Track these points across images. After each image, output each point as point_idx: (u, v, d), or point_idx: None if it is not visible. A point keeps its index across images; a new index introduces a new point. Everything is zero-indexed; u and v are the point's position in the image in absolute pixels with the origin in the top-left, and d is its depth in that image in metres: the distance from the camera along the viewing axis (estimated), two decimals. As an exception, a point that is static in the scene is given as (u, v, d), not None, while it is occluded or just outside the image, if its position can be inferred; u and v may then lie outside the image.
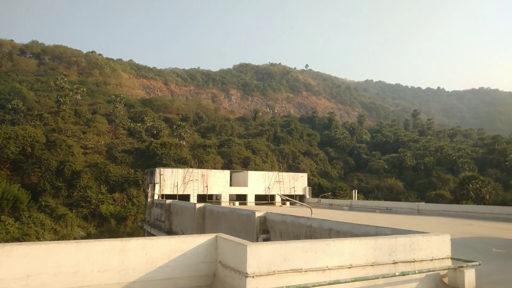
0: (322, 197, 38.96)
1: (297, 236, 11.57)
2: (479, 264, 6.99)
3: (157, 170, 32.10)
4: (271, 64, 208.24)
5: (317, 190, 58.92)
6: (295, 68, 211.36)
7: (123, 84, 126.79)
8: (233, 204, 34.19)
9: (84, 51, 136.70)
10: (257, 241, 12.99)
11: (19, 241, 39.50)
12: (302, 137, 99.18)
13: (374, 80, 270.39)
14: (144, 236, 31.65)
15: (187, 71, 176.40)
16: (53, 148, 56.29)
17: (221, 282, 6.38)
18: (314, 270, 5.90)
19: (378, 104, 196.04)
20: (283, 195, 37.09)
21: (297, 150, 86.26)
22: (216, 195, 35.65)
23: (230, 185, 36.55)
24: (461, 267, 6.77)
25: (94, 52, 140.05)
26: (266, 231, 13.34)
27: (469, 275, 6.73)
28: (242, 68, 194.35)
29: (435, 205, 28.60)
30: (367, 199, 54.78)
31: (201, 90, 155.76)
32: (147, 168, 42.05)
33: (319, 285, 5.68)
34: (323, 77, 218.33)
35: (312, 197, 41.85)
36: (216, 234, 6.81)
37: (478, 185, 53.71)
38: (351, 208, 32.78)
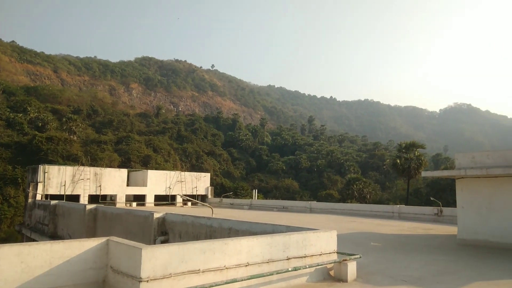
0: (224, 197, 39.38)
1: (197, 237, 11.43)
2: (360, 257, 7.80)
3: (41, 167, 28.60)
4: (177, 61, 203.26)
5: (219, 190, 59.37)
6: (201, 67, 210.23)
7: (2, 68, 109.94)
8: (130, 205, 32.33)
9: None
10: (155, 244, 12.48)
11: None
12: (207, 137, 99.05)
13: (276, 86, 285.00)
14: (23, 241, 27.84)
15: (82, 59, 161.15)
16: None
17: (111, 288, 5.93)
18: (212, 270, 5.88)
19: (279, 108, 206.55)
20: (185, 195, 36.46)
21: (201, 150, 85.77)
22: (111, 196, 33.29)
23: (128, 185, 34.52)
24: (345, 260, 7.47)
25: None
26: (164, 232, 12.90)
27: (351, 267, 7.47)
28: (145, 62, 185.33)
29: (325, 204, 31.26)
30: (266, 199, 57.17)
31: (97, 81, 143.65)
32: (29, 164, 37.17)
33: (216, 285, 5.68)
34: (228, 79, 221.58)
35: (215, 197, 42.03)
36: (107, 238, 6.30)
37: (361, 186, 60.28)
38: (251, 207, 33.81)
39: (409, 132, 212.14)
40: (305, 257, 7.21)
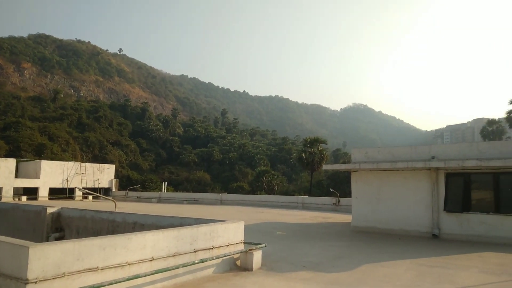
0: (130, 190, 37.43)
1: (98, 233, 10.67)
2: (265, 246, 8.11)
3: None
4: (78, 41, 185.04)
5: (126, 182, 56.20)
6: (107, 50, 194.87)
7: None
8: (19, 200, 28.75)
9: None
10: (48, 241, 11.31)
11: None
12: (112, 126, 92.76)
13: (189, 76, 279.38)
14: None
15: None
16: None
17: (-9, 294, 5.19)
18: (112, 267, 5.53)
19: (192, 99, 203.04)
20: (86, 188, 33.77)
21: (105, 140, 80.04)
22: (-5, 189, 29.18)
23: (16, 177, 30.60)
24: (251, 250, 7.70)
25: None
26: (60, 229, 11.76)
27: (257, 256, 7.73)
28: (41, 40, 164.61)
29: (235, 196, 31.86)
30: (177, 191, 55.99)
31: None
32: None
33: (117, 282, 5.36)
34: (138, 65, 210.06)
35: (120, 190, 39.72)
36: (-14, 236, 5.49)
37: (270, 178, 62.78)
38: (160, 200, 32.78)
39: (314, 128, 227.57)
40: (212, 248, 7.23)
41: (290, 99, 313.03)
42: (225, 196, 30.69)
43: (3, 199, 27.22)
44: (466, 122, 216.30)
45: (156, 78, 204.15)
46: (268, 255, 8.77)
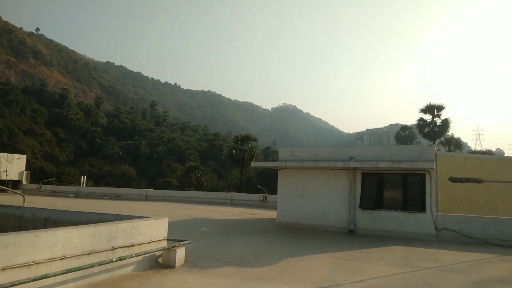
0: (43, 183, 34.27)
1: (2, 229, 9.60)
2: (189, 243, 7.98)
3: None
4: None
5: (39, 175, 51.25)
6: (21, 28, 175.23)
7: None
8: None
9: None
10: None
11: None
12: (25, 112, 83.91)
13: (116, 64, 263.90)
14: None
15: None
16: None
17: None
18: (16, 267, 5.00)
19: (118, 89, 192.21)
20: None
21: (16, 127, 72.16)
22: None
23: None
24: (174, 246, 7.52)
25: None
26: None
27: (180, 253, 7.58)
28: None
29: (162, 191, 30.93)
30: (98, 186, 52.62)
31: None
32: None
33: (20, 283, 4.86)
34: (57, 48, 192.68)
35: (32, 183, 36.18)
36: None
37: (199, 174, 62.13)
38: (77, 195, 30.54)
39: (245, 126, 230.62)
40: (132, 246, 6.92)
41: (222, 95, 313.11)
42: (151, 191, 29.62)
43: None
44: (383, 126, 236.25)
45: (79, 63, 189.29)
46: (192, 251, 8.66)
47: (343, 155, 14.37)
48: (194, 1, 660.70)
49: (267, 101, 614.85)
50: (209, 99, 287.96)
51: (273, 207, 22.88)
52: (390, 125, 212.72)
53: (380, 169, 13.52)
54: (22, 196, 12.19)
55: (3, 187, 15.31)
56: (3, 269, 4.85)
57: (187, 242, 7.91)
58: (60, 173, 53.51)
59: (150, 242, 7.33)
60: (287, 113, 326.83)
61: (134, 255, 6.71)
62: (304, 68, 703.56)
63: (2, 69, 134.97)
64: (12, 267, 4.96)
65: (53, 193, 31.54)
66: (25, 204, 10.79)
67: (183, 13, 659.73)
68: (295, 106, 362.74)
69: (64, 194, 30.80)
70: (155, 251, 7.30)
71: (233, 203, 26.32)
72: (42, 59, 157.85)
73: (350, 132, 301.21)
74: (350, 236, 13.03)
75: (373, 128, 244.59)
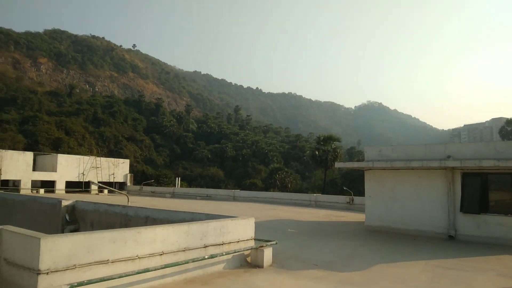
0: (144, 185, 37.84)
1: (111, 226, 10.79)
2: (276, 243, 8.03)
3: None
4: (93, 37, 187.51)
5: (140, 177, 56.83)
6: (121, 46, 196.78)
7: None
8: (37, 192, 29.37)
9: None
10: (63, 233, 11.49)
11: None
12: (127, 121, 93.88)
13: (202, 73, 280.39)
14: None
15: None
16: None
17: (5, 283, 5.27)
18: (122, 260, 5.54)
19: (205, 96, 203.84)
20: (101, 182, 34.36)
21: (121, 135, 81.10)
22: (14, 181, 29.89)
23: (34, 170, 31.26)
24: (262, 246, 7.63)
25: None
26: (74, 221, 11.93)
27: (267, 253, 7.67)
28: (56, 35, 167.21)
29: (248, 192, 31.84)
30: (191, 187, 56.39)
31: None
32: None
33: (127, 275, 5.37)
34: (151, 61, 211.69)
35: (135, 184, 40.20)
36: (1, 227, 5.58)
37: (283, 175, 62.63)
38: (173, 195, 33.03)
39: (327, 126, 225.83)
40: (222, 244, 7.19)
41: (303, 96, 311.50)
42: (237, 192, 30.71)
43: (22, 191, 27.86)
44: (484, 121, 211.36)
45: (170, 74, 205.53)
46: (279, 252, 8.69)
47: (438, 153, 13.13)
48: (272, 8, 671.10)
49: (350, 100, 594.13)
50: (290, 101, 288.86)
51: (360, 209, 21.96)
52: (493, 119, 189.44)
53: (484, 168, 12.04)
54: (127, 196, 13.55)
55: (111, 188, 17.25)
56: (113, 261, 5.41)
57: (274, 242, 7.97)
58: (158, 175, 58.53)
59: (238, 241, 7.55)
60: (372, 111, 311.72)
61: (224, 253, 6.97)
62: (389, 63, 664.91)
63: (107, 83, 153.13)
64: (119, 260, 5.51)
65: (153, 194, 34.62)
66: (129, 204, 11.98)
67: (262, 20, 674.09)
68: (380, 103, 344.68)
69: (162, 195, 33.58)
70: (243, 250, 7.50)
71: (317, 205, 25.92)
72: (139, 72, 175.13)
73: (445, 128, 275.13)
74: (450, 242, 11.83)
75: (472, 123, 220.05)
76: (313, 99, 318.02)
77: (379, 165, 13.81)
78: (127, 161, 39.66)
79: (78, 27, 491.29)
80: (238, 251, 7.35)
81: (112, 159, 38.26)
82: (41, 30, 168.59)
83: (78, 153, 51.30)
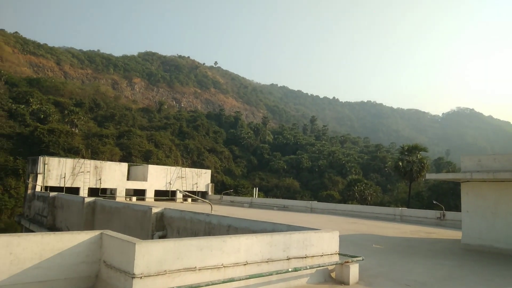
0: (224, 194, 39.16)
1: (195, 233, 11.21)
2: (362, 259, 7.54)
3: (41, 158, 28.42)
4: (180, 57, 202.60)
5: (220, 187, 59.17)
6: (204, 64, 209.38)
7: (5, 58, 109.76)
8: (130, 200, 32.16)
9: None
10: (153, 239, 12.27)
11: None
12: (208, 134, 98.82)
13: (279, 85, 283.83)
14: (22, 232, 27.72)
15: (85, 52, 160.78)
16: None
17: (104, 284, 5.70)
18: (209, 268, 5.64)
19: (281, 107, 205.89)
20: (185, 191, 36.37)
21: (203, 147, 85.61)
22: (111, 189, 33.11)
23: (128, 179, 34.32)
24: (347, 262, 7.22)
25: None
26: (163, 228, 12.68)
27: (354, 269, 7.22)
28: (148, 57, 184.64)
29: (326, 204, 30.98)
30: (267, 197, 56.95)
31: (100, 75, 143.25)
32: (30, 156, 37.04)
33: (213, 284, 5.44)
34: (231, 76, 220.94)
35: (215, 194, 41.82)
36: (100, 231, 6.07)
37: (362, 187, 60.02)
38: (251, 205, 33.57)
39: (411, 135, 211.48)
40: (305, 257, 6.96)
41: (384, 104, 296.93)
42: (315, 204, 30.06)
43: (117, 199, 30.72)
44: None
45: (248, 88, 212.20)
46: (365, 269, 8.15)
47: (555, 163, 11.30)
48: (346, 16, 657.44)
49: (436, 106, 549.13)
50: (369, 109, 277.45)
51: (453, 226, 19.87)
52: None
53: None
54: (210, 205, 14.01)
55: (197, 197, 18.07)
56: (200, 269, 5.53)
57: (360, 258, 7.49)
58: (236, 185, 60.33)
59: (322, 255, 7.24)
60: (463, 118, 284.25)
61: (308, 267, 6.73)
62: (480, 66, 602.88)
63: (191, 99, 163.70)
64: (206, 268, 5.61)
65: (232, 203, 35.61)
66: (213, 212, 12.36)
67: (338, 30, 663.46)
68: (472, 109, 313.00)
69: (240, 204, 34.35)
70: (328, 265, 7.17)
71: (403, 220, 24.12)
72: (220, 87, 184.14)
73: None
74: None
75: None
76: (395, 106, 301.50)
77: (479, 176, 12.33)
78: (208, 172, 41.48)
79: (167, 49, 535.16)
80: (322, 266, 7.04)
81: (196, 170, 40.36)
82: (135, 53, 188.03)
83: (165, 164, 55.29)
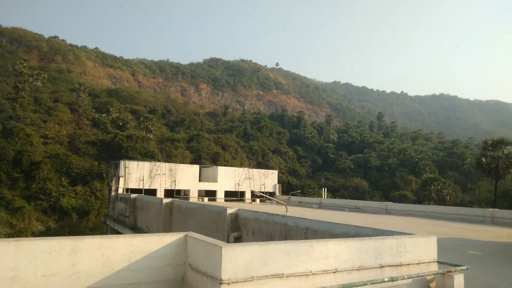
0: (291, 195, 38.77)
1: (271, 235, 10.94)
2: (467, 269, 6.62)
3: (122, 162, 30.51)
4: (242, 61, 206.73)
5: (286, 187, 58.88)
6: (265, 66, 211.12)
7: (88, 72, 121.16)
8: (202, 200, 33.21)
9: (46, 36, 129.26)
10: (228, 240, 12.27)
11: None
12: (272, 135, 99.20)
13: (342, 82, 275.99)
14: (107, 232, 30.06)
15: (156, 62, 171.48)
16: (10, 137, 52.67)
17: None
18: (296, 275, 5.25)
19: (345, 105, 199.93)
20: (253, 192, 36.70)
21: (267, 148, 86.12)
22: (184, 191, 34.50)
23: (199, 181, 35.49)
24: (450, 271, 6.36)
25: (57, 37, 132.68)
26: (237, 229, 12.64)
27: (458, 280, 6.34)
28: (213, 63, 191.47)
29: (402, 205, 29.04)
30: (335, 198, 55.37)
31: (170, 82, 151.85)
32: (111, 161, 40.12)
33: (303, 293, 5.04)
34: (292, 76, 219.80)
35: (282, 194, 41.59)
36: (185, 233, 6.00)
37: (439, 187, 55.62)
38: (320, 206, 32.72)
39: (492, 129, 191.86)
40: (400, 265, 6.25)
41: (458, 96, 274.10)
42: (390, 205, 28.28)
43: (190, 199, 31.90)
44: None
45: (310, 87, 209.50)
46: (467, 279, 7.15)
47: None
48: (410, 8, 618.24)
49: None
50: (442, 103, 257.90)
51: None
52: None
53: None
54: (285, 206, 13.68)
55: (271, 198, 17.86)
56: (287, 276, 5.16)
57: (464, 267, 6.58)
58: (302, 186, 59.57)
59: (418, 263, 6.47)
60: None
61: (405, 277, 6.03)
62: None
63: (254, 101, 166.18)
64: (293, 275, 5.23)
65: (300, 204, 35.06)
66: (287, 213, 12.01)
67: (402, 22, 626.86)
68: None
69: (309, 205, 33.65)
70: (426, 275, 6.38)
71: (494, 222, 21.64)
72: (282, 88, 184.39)
73: None
74: None
75: None
76: (471, 98, 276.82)
77: None
78: (275, 172, 41.39)
79: (230, 54, 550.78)
80: (421, 275, 6.28)
81: (263, 170, 40.51)
82: (201, 60, 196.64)
83: (232, 165, 56.48)
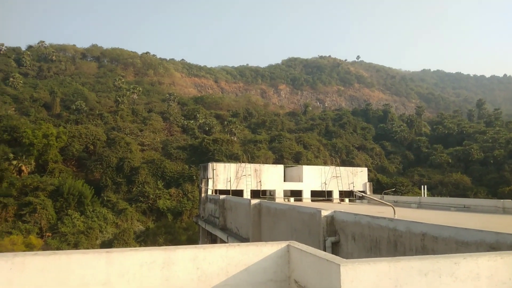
0: (385, 194, 35.92)
1: (376, 242, 9.57)
2: None
3: (210, 165, 31.28)
4: (321, 57, 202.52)
5: (375, 186, 55.23)
6: (345, 60, 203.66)
7: (176, 83, 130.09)
8: (288, 200, 32.47)
9: (139, 53, 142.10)
10: (325, 245, 11.16)
11: (85, 234, 41.11)
12: (356, 131, 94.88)
13: (432, 70, 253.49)
14: (199, 232, 31.08)
15: (236, 68, 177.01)
16: (113, 146, 58.52)
17: (296, 307, 4.69)
18: (437, 302, 3.98)
19: (437, 94, 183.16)
20: (341, 191, 34.89)
21: (351, 145, 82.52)
22: (270, 191, 34.14)
23: (284, 181, 34.83)
24: None
25: (149, 53, 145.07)
26: (334, 233, 11.46)
27: None
28: (291, 63, 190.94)
29: (526, 204, 24.62)
30: (433, 196, 50.32)
31: (250, 86, 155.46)
32: (200, 164, 41.79)
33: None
34: (375, 68, 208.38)
35: (373, 193, 38.87)
36: (287, 243, 5.10)
37: None
38: (420, 205, 29.55)
39: None
40: None
41: None
42: (508, 203, 24.15)
43: (276, 200, 31.39)
44: None
45: (395, 78, 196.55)
46: None
47: None
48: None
49: None
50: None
51: None
52: None
53: None
54: (392, 207, 12.03)
55: (376, 199, 16.20)
56: (427, 302, 3.92)
57: None
58: (394, 184, 55.43)
59: None
60: None
61: None
62: None
63: (334, 98, 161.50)
64: (435, 301, 3.97)
65: (396, 203, 32.14)
66: (395, 216, 10.48)
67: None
68: None
69: (407, 205, 30.62)
70: None
71: None
72: (364, 82, 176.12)
73: None
74: None
75: None
76: None
77: None
78: (365, 170, 38.77)
79: (308, 51, 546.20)
80: None
81: (351, 168, 38.27)
82: (279, 61, 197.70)
83: (315, 164, 54.94)
